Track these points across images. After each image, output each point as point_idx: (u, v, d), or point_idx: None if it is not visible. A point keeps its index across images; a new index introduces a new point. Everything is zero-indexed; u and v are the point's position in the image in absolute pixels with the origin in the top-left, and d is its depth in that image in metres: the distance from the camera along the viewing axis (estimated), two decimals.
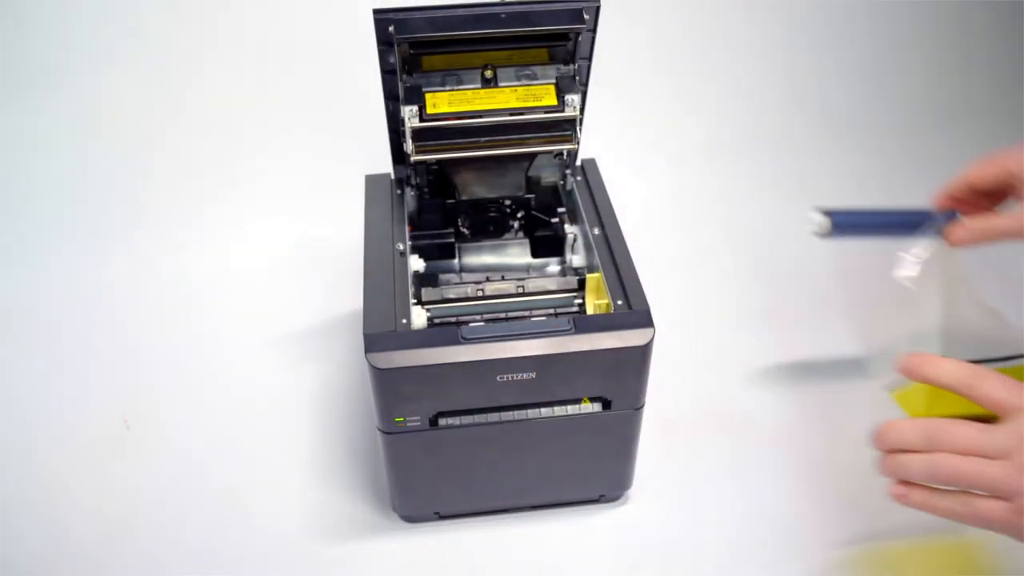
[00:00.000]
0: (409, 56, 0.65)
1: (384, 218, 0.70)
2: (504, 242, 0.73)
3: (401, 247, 0.66)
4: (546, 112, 0.65)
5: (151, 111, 1.07)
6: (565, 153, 0.70)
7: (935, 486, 0.48)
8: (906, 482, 0.50)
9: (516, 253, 0.72)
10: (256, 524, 0.69)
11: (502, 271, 0.70)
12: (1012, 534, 0.46)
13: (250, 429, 0.77)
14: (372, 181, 0.75)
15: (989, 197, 0.63)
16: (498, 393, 0.59)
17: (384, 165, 0.74)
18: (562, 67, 0.67)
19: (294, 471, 0.73)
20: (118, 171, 1.04)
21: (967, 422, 0.47)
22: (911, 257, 0.62)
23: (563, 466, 0.65)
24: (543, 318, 0.64)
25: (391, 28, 0.61)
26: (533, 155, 0.70)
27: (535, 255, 0.72)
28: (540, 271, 0.71)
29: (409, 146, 0.65)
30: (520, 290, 0.67)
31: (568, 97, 0.66)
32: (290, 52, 1.10)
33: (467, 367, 0.56)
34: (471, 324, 0.62)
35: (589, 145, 0.74)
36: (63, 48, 1.05)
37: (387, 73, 0.65)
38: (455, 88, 0.66)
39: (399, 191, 0.72)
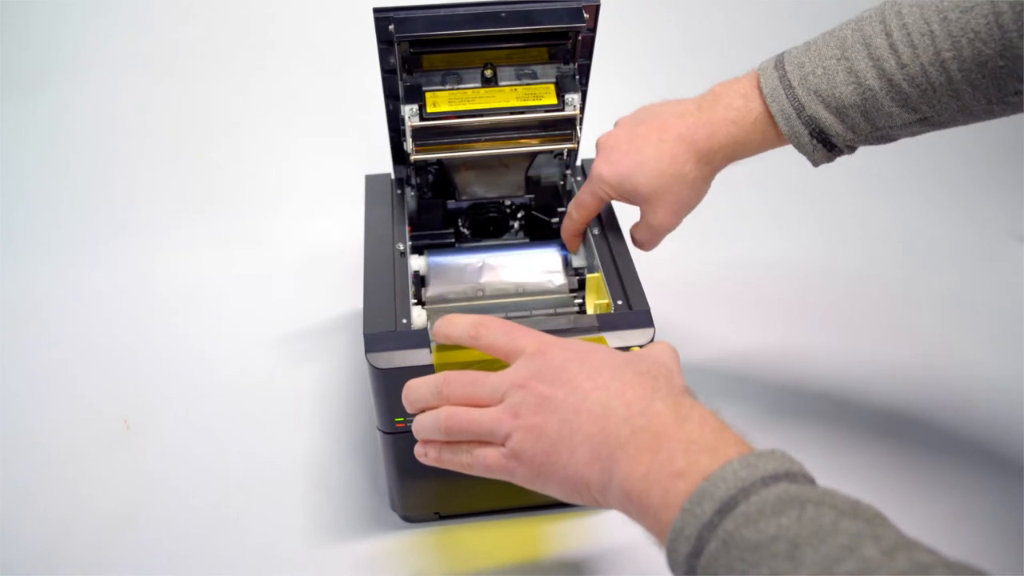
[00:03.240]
0: (409, 55, 0.65)
1: (384, 218, 0.69)
2: (504, 242, 0.73)
3: (401, 247, 0.66)
4: (546, 111, 0.65)
5: (152, 110, 1.07)
6: (565, 153, 0.70)
7: (451, 439, 0.46)
8: (430, 440, 0.47)
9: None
10: (256, 524, 0.69)
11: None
12: (509, 479, 0.45)
13: (250, 429, 0.77)
14: (372, 181, 0.75)
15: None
16: None
17: (384, 165, 0.74)
18: (562, 66, 0.67)
19: (294, 471, 0.73)
20: (118, 170, 1.04)
21: (470, 372, 0.46)
22: None
23: None
24: (543, 318, 0.64)
25: (391, 27, 0.61)
26: (533, 155, 0.70)
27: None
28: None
29: (409, 145, 0.65)
30: (520, 290, 0.66)
31: (568, 96, 0.65)
32: (290, 51, 1.10)
33: None
34: None
35: (589, 145, 0.74)
36: (66, 46, 1.05)
37: (387, 72, 0.65)
38: (455, 87, 0.66)
39: (399, 191, 0.72)
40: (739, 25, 1.18)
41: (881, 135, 0.56)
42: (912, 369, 0.82)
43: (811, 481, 0.38)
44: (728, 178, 1.15)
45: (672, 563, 0.38)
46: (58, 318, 0.90)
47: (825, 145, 0.57)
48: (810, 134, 0.56)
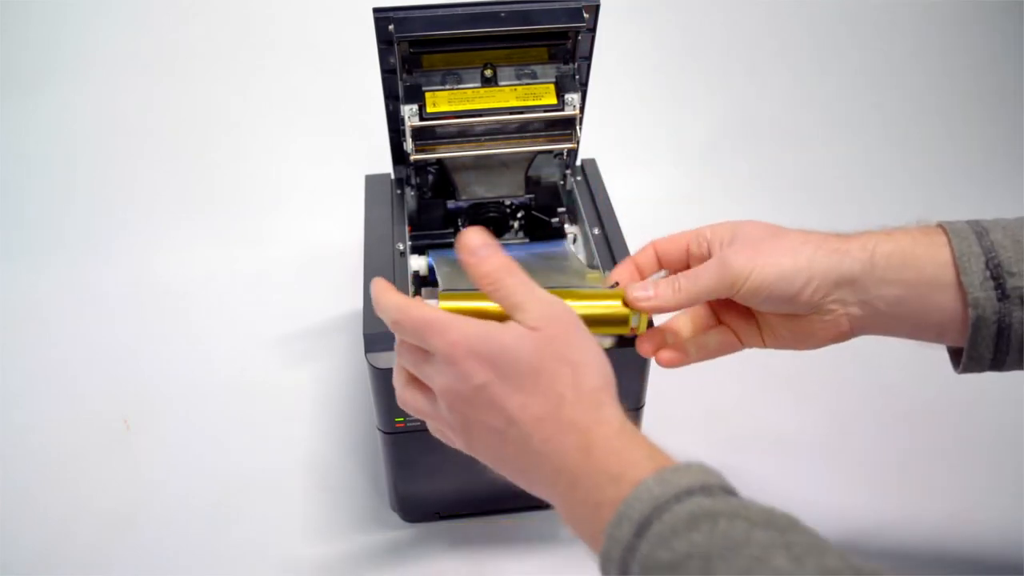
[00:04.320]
0: (409, 55, 0.65)
1: (384, 218, 0.69)
2: (505, 242, 0.73)
3: (401, 247, 0.66)
4: (546, 111, 0.65)
5: (152, 110, 1.07)
6: (565, 152, 0.70)
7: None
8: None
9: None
10: (256, 524, 0.69)
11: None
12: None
13: (250, 429, 0.77)
14: (372, 181, 0.75)
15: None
16: None
17: (384, 165, 0.74)
18: (562, 66, 0.67)
19: (294, 471, 0.73)
20: (118, 170, 1.04)
21: (413, 348, 0.43)
22: None
23: None
24: None
25: (391, 27, 0.61)
26: (533, 155, 0.70)
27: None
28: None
29: (409, 145, 0.65)
30: None
31: (568, 96, 0.65)
32: (290, 51, 1.10)
33: None
34: None
35: (589, 145, 0.74)
36: (66, 46, 1.05)
37: (387, 72, 0.65)
38: (455, 87, 0.66)
39: (399, 191, 0.72)
40: (739, 25, 1.18)
41: None
42: (910, 368, 0.82)
43: (730, 492, 0.38)
44: (728, 183, 1.15)
45: None
46: (58, 318, 0.90)
47: (997, 285, 0.46)
48: (984, 258, 0.46)
